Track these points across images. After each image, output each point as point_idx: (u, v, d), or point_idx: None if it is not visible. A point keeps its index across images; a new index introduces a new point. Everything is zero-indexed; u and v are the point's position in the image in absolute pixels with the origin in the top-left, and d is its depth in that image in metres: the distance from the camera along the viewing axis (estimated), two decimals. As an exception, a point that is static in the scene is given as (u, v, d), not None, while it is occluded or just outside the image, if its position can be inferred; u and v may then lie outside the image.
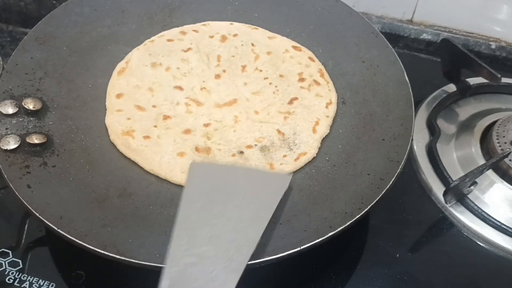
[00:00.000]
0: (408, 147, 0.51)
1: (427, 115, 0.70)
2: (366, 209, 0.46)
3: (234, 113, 0.58)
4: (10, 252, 0.53)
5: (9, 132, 0.50)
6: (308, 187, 0.51)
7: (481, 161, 0.63)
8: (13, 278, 0.51)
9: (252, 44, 0.65)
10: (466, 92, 0.71)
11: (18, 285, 0.51)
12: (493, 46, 0.82)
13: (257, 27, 0.67)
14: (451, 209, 0.60)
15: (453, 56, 0.68)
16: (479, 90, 0.73)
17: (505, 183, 0.61)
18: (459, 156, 0.65)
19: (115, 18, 0.65)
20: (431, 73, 0.75)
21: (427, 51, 0.84)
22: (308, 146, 0.55)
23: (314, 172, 0.52)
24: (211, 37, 0.65)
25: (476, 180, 0.59)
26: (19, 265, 0.52)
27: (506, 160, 0.61)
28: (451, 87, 0.72)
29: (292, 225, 0.47)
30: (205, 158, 0.53)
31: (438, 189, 0.61)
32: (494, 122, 0.66)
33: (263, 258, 0.42)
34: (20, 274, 0.52)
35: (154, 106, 0.57)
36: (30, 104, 0.53)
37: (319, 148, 0.55)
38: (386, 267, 0.55)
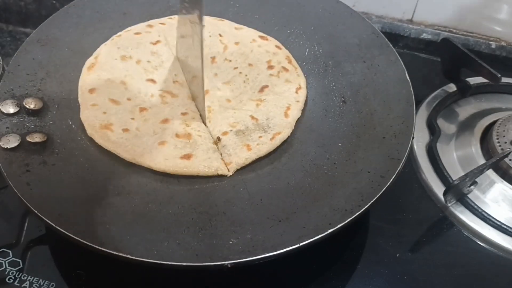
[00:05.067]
0: (409, 145, 0.51)
1: (427, 115, 0.70)
2: (366, 207, 0.46)
3: (207, 103, 0.58)
4: (10, 251, 0.53)
5: (9, 131, 0.51)
6: (308, 185, 0.51)
7: (481, 160, 0.63)
8: (13, 277, 0.51)
9: (220, 35, 0.65)
10: (466, 91, 0.71)
11: (18, 284, 0.51)
12: (493, 46, 0.82)
13: (223, 19, 0.68)
14: (451, 208, 0.60)
15: (453, 55, 0.68)
16: (479, 90, 0.73)
17: (505, 182, 0.61)
18: (459, 156, 0.65)
19: (117, 21, 0.66)
20: (431, 73, 0.75)
21: (427, 50, 0.84)
22: (282, 127, 0.56)
23: (314, 170, 0.52)
24: None
25: (476, 179, 0.59)
26: (19, 265, 0.52)
27: (506, 159, 0.61)
28: (451, 87, 0.72)
29: (291, 222, 0.47)
30: (186, 144, 0.53)
31: (438, 189, 0.61)
32: (494, 122, 0.66)
33: (262, 254, 0.42)
34: (20, 273, 0.52)
35: (128, 99, 0.57)
36: (31, 104, 0.53)
37: (293, 130, 0.56)
38: (386, 267, 0.55)
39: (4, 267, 0.52)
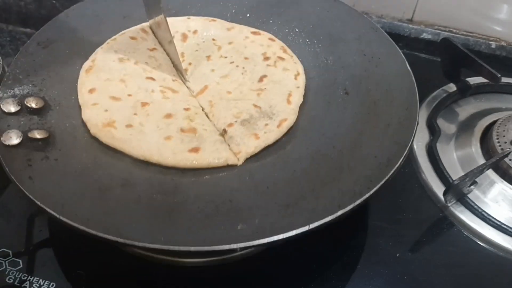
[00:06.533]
0: (415, 130, 0.51)
1: (427, 115, 0.70)
2: (375, 188, 0.45)
3: (208, 98, 0.58)
4: (10, 252, 0.53)
5: (11, 128, 0.50)
6: (315, 171, 0.50)
7: (481, 160, 0.63)
8: (13, 278, 0.51)
9: (213, 39, 0.66)
10: (466, 91, 0.71)
11: (19, 285, 0.51)
12: (493, 46, 0.82)
13: (214, 19, 0.68)
14: (451, 208, 0.60)
15: (453, 55, 0.68)
16: (479, 90, 0.73)
17: (505, 182, 0.61)
18: (459, 156, 0.65)
19: (117, 24, 0.66)
20: (431, 73, 0.75)
21: (427, 50, 0.84)
22: (287, 113, 0.56)
23: (320, 158, 0.51)
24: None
25: (476, 179, 0.59)
26: (19, 265, 0.52)
27: (506, 159, 0.61)
28: (451, 87, 0.72)
29: (300, 206, 0.45)
30: (192, 137, 0.53)
31: (438, 188, 0.61)
32: (494, 122, 0.66)
33: (271, 237, 0.41)
34: (21, 274, 0.52)
35: (129, 95, 0.56)
36: (32, 103, 0.53)
37: (297, 120, 0.56)
38: (386, 267, 0.55)
39: (4, 267, 0.52)
